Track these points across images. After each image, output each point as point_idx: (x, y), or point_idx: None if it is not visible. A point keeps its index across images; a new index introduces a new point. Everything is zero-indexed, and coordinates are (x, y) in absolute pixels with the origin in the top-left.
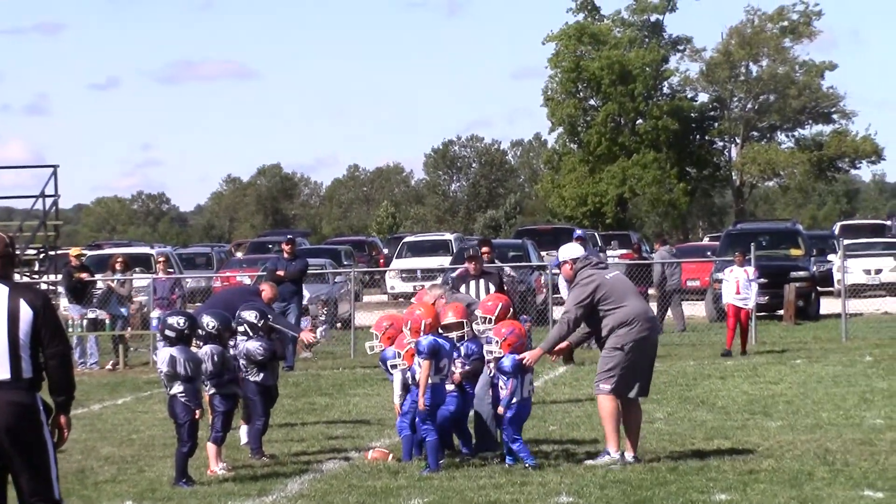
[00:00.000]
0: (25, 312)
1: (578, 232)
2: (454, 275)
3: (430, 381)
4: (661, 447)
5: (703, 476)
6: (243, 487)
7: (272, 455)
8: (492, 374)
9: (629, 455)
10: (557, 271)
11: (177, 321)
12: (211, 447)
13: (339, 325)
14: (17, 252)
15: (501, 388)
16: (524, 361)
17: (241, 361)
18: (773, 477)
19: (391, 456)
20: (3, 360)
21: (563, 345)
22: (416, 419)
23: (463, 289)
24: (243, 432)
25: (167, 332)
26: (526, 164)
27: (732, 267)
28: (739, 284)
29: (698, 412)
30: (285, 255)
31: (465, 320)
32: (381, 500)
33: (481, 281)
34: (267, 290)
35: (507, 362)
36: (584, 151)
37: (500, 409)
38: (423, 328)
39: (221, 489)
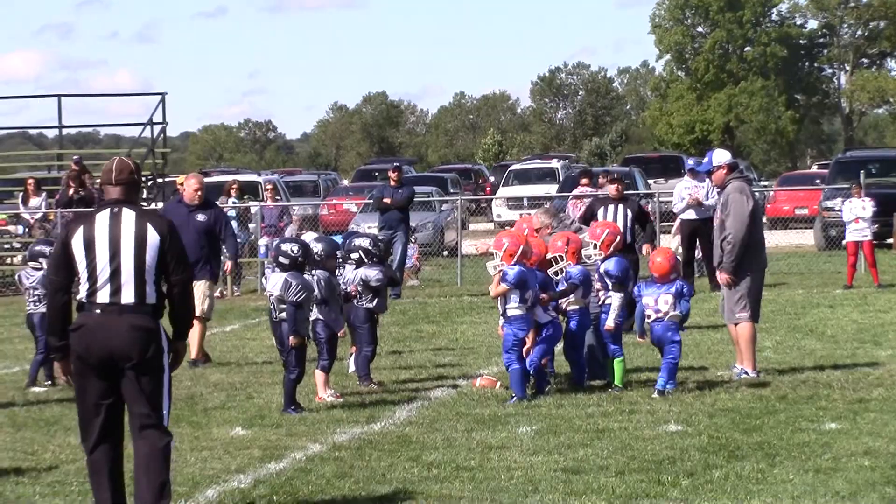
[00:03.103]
0: (152, 238)
1: (690, 163)
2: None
3: (515, 312)
4: (770, 376)
5: (813, 405)
6: (352, 414)
7: (380, 382)
8: (598, 298)
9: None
10: (668, 199)
11: (290, 248)
12: (319, 374)
13: (445, 252)
14: None
15: (607, 299)
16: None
17: (354, 288)
18: (884, 406)
19: (499, 384)
20: (128, 284)
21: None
22: (504, 350)
23: (601, 212)
24: (351, 360)
25: (280, 259)
26: (632, 91)
27: (850, 199)
28: (857, 217)
29: (807, 341)
30: (392, 183)
31: (559, 255)
32: (490, 427)
33: (620, 206)
34: None
35: (611, 266)
36: (692, 79)
37: (609, 325)
38: (517, 255)
39: (330, 416)
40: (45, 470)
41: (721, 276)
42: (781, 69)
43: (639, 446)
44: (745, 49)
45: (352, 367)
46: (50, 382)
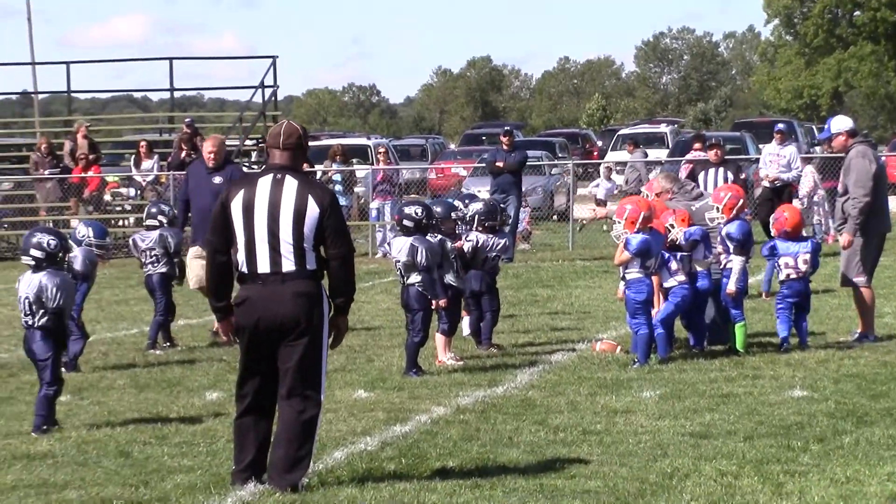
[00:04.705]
0: (312, 209)
1: (780, 126)
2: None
3: (634, 276)
4: (894, 342)
5: None
6: (473, 378)
7: (499, 346)
8: (721, 265)
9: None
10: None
11: (414, 211)
12: (440, 338)
13: (555, 217)
14: (237, 143)
15: (728, 263)
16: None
17: (487, 254)
18: None
19: (619, 348)
20: (287, 253)
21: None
22: (630, 315)
23: (701, 176)
24: (465, 323)
25: (405, 223)
26: (738, 56)
27: None
28: None
29: None
30: (504, 147)
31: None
32: (613, 391)
33: (720, 169)
34: None
35: (733, 229)
36: (800, 43)
37: (731, 289)
38: (639, 221)
39: (451, 379)
40: (171, 431)
41: (844, 239)
42: (891, 34)
43: (765, 411)
44: (855, 14)
45: (467, 331)
46: (168, 344)
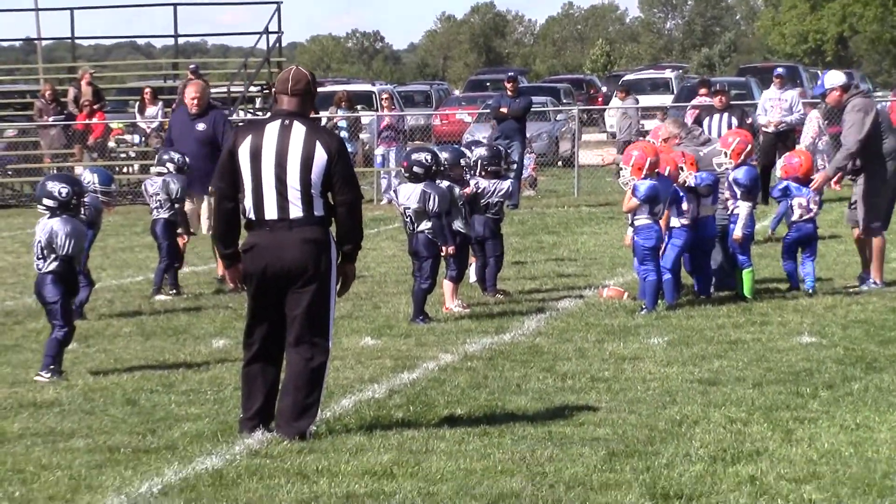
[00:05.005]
0: (320, 156)
1: (780, 70)
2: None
3: (642, 222)
4: None
5: None
6: (480, 325)
7: (505, 292)
8: (729, 211)
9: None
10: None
11: (424, 157)
12: (447, 284)
13: (560, 163)
14: (241, 90)
15: (735, 210)
16: (811, 186)
17: (490, 199)
18: None
19: (626, 294)
20: (295, 199)
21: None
22: (639, 261)
23: (706, 122)
24: (472, 270)
25: (415, 169)
26: (743, 1)
27: None
28: None
29: None
30: (508, 93)
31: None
32: (620, 338)
33: (725, 115)
34: None
35: (740, 174)
36: None
37: (737, 235)
38: (645, 167)
39: (459, 326)
40: (177, 379)
41: (817, 179)
42: None
43: (774, 358)
44: None
45: (473, 277)
46: (175, 291)
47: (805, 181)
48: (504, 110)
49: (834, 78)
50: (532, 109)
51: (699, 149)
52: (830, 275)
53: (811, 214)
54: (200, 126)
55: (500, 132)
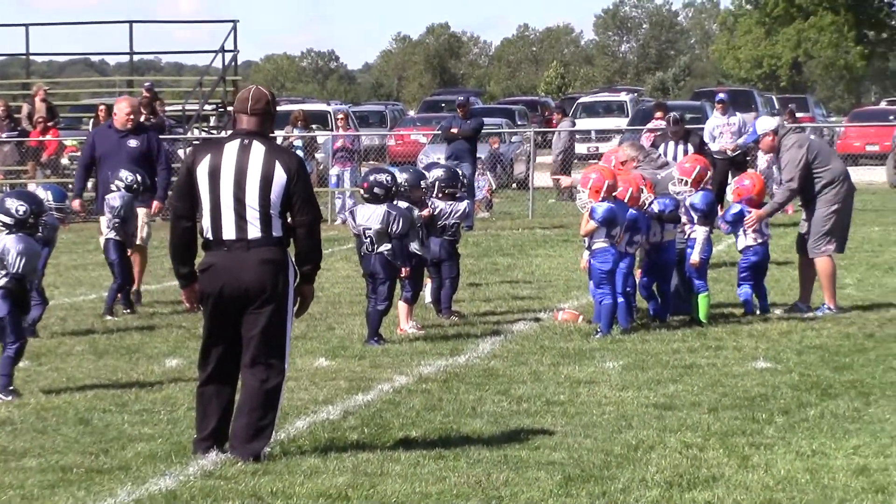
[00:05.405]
0: (279, 176)
1: (721, 95)
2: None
3: (599, 245)
4: (855, 314)
5: None
6: (435, 346)
7: (460, 314)
8: (686, 236)
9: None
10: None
11: (385, 178)
12: (402, 306)
13: (514, 185)
14: (196, 108)
15: (692, 234)
16: (746, 223)
17: (446, 221)
18: None
19: (581, 318)
20: (254, 219)
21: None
22: (595, 284)
23: (662, 147)
24: (427, 291)
25: (376, 190)
26: (697, 25)
27: None
28: None
29: (888, 278)
30: (459, 115)
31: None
32: (576, 361)
33: (681, 143)
34: None
35: (697, 199)
36: (761, 13)
37: (695, 260)
38: (603, 190)
39: (413, 348)
40: (131, 398)
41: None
42: (851, 4)
43: (729, 383)
44: None
45: (428, 299)
46: (129, 311)
47: (758, 203)
48: (455, 131)
49: (765, 124)
50: (486, 131)
51: (657, 172)
52: (785, 300)
53: (766, 238)
54: (133, 143)
55: (450, 153)
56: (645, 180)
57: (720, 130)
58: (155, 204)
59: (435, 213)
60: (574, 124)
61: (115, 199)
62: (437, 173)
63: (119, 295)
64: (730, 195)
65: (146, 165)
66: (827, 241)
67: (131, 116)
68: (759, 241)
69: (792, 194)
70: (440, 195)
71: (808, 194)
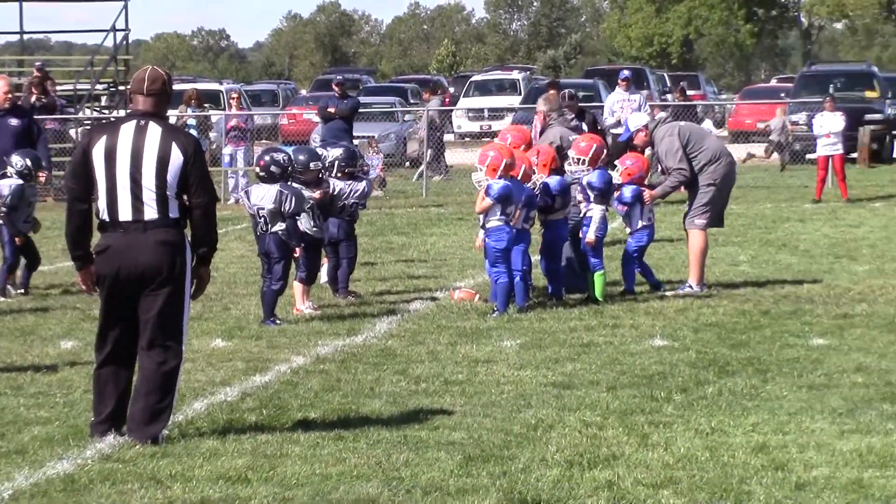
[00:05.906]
0: (176, 157)
1: (625, 73)
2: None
3: (494, 224)
4: (750, 290)
5: (798, 320)
6: (332, 327)
7: (356, 293)
8: (581, 214)
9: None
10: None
11: (282, 157)
12: (298, 286)
13: (407, 164)
14: (88, 87)
15: (588, 213)
16: (646, 199)
17: (345, 201)
18: (869, 322)
19: (478, 296)
20: (150, 200)
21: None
22: (490, 263)
23: None
24: (324, 271)
25: (272, 169)
26: (588, 3)
27: (822, 113)
28: (829, 132)
29: (782, 255)
30: (336, 95)
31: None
32: (473, 341)
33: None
34: None
35: (594, 178)
36: None
37: (590, 238)
38: (500, 168)
39: (310, 328)
40: (26, 381)
41: (647, 194)
42: None
43: (627, 361)
44: None
45: (324, 278)
46: (23, 291)
47: (642, 182)
48: (332, 110)
49: (636, 120)
50: (380, 110)
51: (570, 133)
52: (680, 277)
53: (652, 221)
54: (14, 121)
55: (327, 132)
56: (541, 156)
57: (620, 105)
58: (46, 175)
59: (334, 193)
60: (443, 103)
61: (4, 186)
62: (336, 153)
63: (9, 275)
64: (617, 177)
65: (27, 143)
66: (701, 213)
67: (8, 94)
68: (648, 223)
69: (684, 178)
70: (339, 175)
71: (690, 176)
